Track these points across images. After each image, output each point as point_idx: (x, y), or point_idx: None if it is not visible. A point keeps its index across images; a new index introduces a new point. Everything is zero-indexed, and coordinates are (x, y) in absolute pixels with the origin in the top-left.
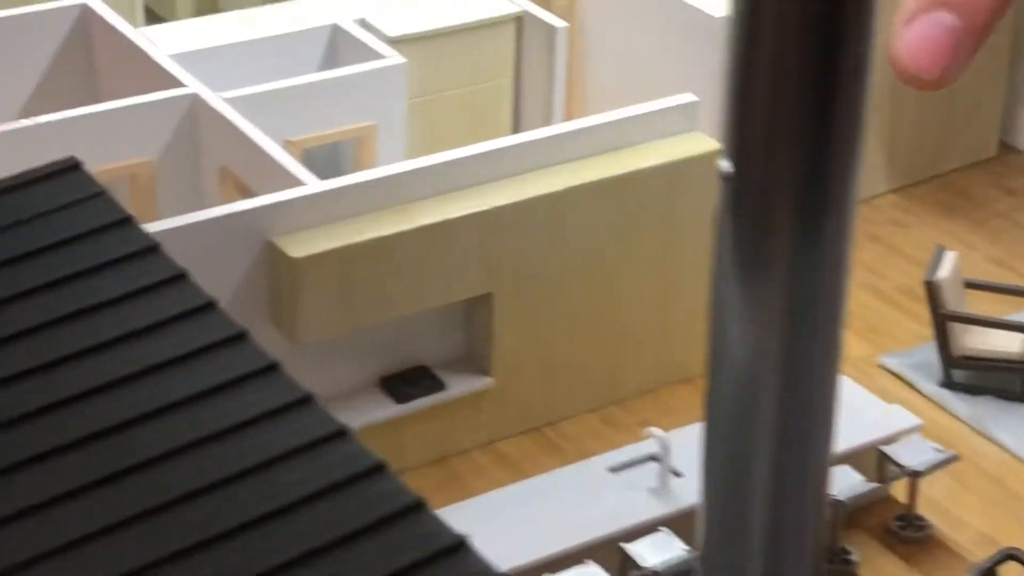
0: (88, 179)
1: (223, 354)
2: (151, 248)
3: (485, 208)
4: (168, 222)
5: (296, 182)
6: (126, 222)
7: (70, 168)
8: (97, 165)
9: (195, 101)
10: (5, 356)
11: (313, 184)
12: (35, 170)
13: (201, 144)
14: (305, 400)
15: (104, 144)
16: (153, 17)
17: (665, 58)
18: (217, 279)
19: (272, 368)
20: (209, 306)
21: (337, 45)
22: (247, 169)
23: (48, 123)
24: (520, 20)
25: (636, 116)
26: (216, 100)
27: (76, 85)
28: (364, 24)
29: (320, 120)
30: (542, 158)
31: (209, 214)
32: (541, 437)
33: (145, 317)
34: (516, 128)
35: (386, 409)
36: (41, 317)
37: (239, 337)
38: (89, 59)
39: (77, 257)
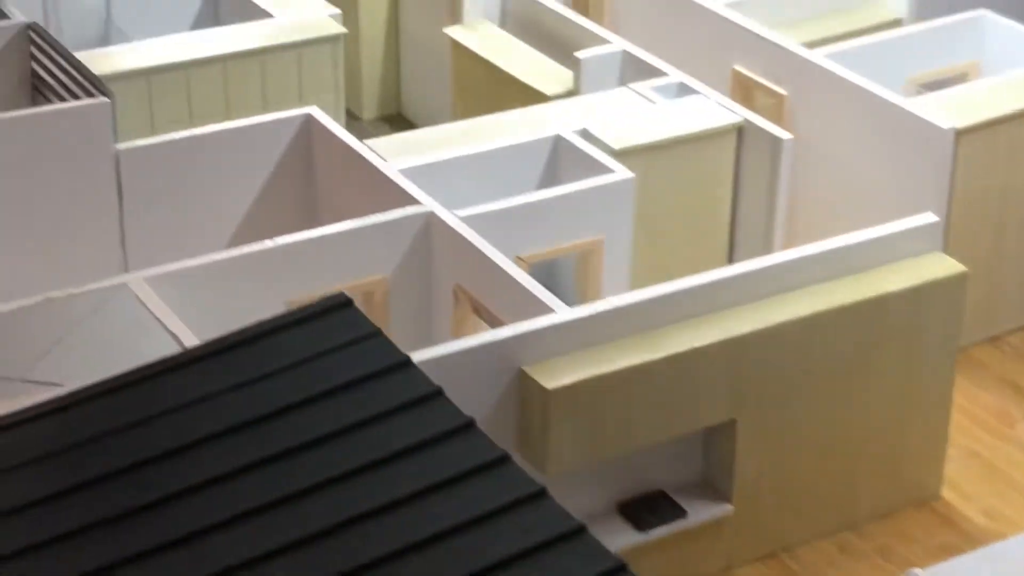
0: (361, 317)
1: (526, 512)
2: (435, 393)
3: (733, 335)
4: (423, 353)
5: (535, 301)
6: (406, 364)
7: (341, 305)
8: (334, 284)
9: (430, 219)
10: (301, 509)
11: (564, 312)
12: (307, 308)
13: (433, 261)
14: (579, 530)
15: (341, 262)
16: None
17: (887, 170)
18: (467, 406)
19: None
20: (504, 459)
21: (560, 156)
22: (482, 287)
23: (287, 244)
24: (741, 130)
25: (878, 238)
26: (451, 218)
27: (298, 195)
28: (586, 135)
29: (549, 235)
30: (786, 281)
31: (463, 344)
32: (779, 564)
33: (438, 469)
34: (733, 239)
35: (626, 536)
36: (331, 469)
37: (539, 493)
38: (311, 169)
39: (359, 401)
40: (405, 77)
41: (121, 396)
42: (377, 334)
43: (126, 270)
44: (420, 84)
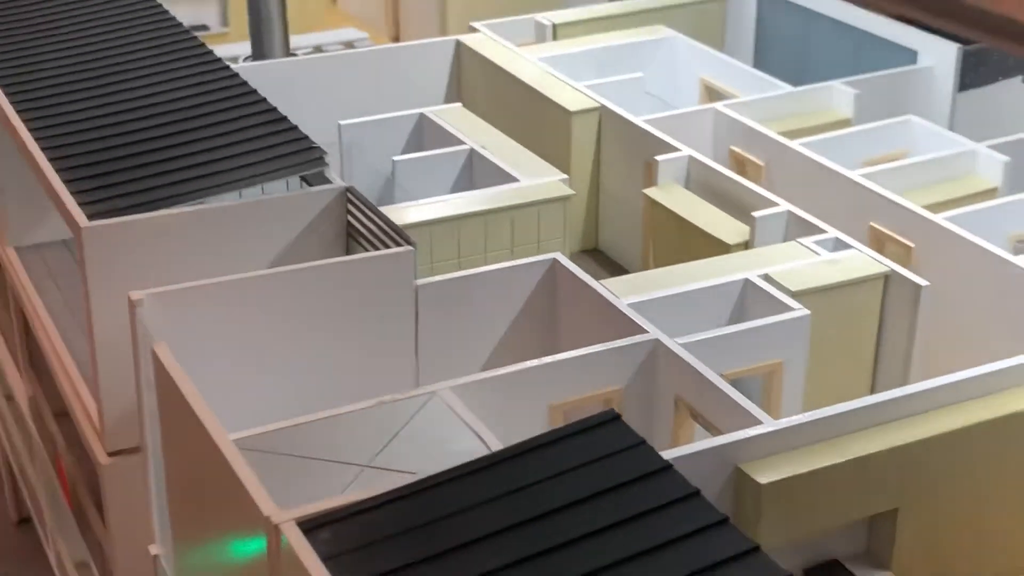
0: (627, 429)
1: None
2: (694, 493)
3: (899, 443)
4: (665, 454)
5: (742, 411)
6: (667, 469)
7: (611, 419)
8: (583, 393)
9: (655, 344)
10: None
11: (769, 422)
12: (579, 422)
13: (657, 376)
14: None
15: (587, 376)
16: None
17: (998, 311)
18: None
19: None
20: (755, 550)
21: (747, 295)
22: (698, 398)
23: (549, 362)
24: (888, 277)
25: (1009, 367)
26: (671, 343)
27: (543, 324)
28: (768, 279)
29: (744, 358)
30: (937, 400)
31: (694, 448)
32: None
33: (695, 558)
34: (876, 365)
35: None
36: (602, 558)
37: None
38: (554, 304)
39: (629, 500)
40: (603, 221)
41: (455, 485)
42: (642, 443)
43: (417, 384)
44: (616, 226)
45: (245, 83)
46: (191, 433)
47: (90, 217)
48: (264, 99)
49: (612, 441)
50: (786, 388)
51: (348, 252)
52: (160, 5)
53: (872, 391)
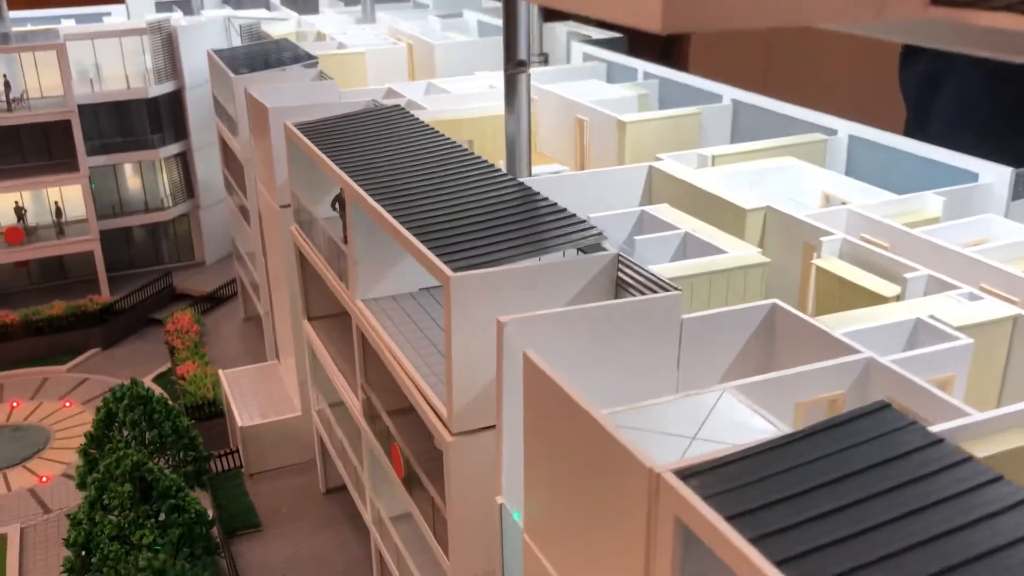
0: (899, 415)
1: None
2: (966, 460)
3: None
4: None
5: (949, 405)
6: (940, 443)
7: (883, 408)
8: (818, 395)
9: (869, 361)
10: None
11: (976, 414)
12: (857, 410)
13: (870, 383)
14: None
15: (821, 385)
16: None
17: None
18: None
19: None
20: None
21: (919, 330)
22: (908, 398)
23: (805, 370)
24: (1017, 318)
25: None
26: (882, 360)
27: (762, 354)
28: (934, 318)
29: (926, 372)
30: None
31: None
32: None
33: (975, 509)
34: (1003, 383)
35: None
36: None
37: None
38: (772, 338)
39: (919, 463)
40: (772, 278)
41: (782, 451)
42: (914, 423)
43: (677, 389)
44: (776, 289)
45: (530, 188)
46: (564, 412)
47: (454, 271)
48: (547, 198)
49: (889, 423)
50: (954, 394)
51: (617, 298)
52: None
53: (1000, 399)
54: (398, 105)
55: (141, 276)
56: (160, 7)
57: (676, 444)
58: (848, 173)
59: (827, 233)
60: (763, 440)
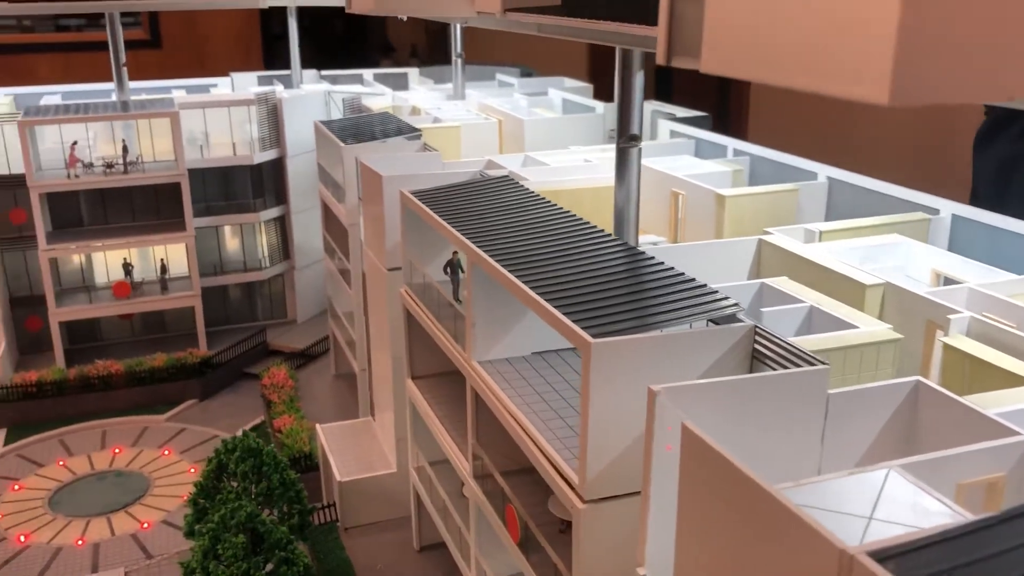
0: None
1: None
2: None
3: None
4: None
5: None
6: None
7: None
8: (975, 478)
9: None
10: None
11: None
12: None
13: None
14: None
15: (974, 468)
16: None
17: None
18: None
19: None
20: None
21: None
22: None
23: (946, 455)
24: None
25: None
26: None
27: (903, 432)
28: None
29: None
30: None
31: None
32: None
33: None
34: None
35: None
36: None
37: None
38: (914, 419)
39: None
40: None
41: (983, 534)
42: None
43: (820, 468)
44: (904, 359)
45: (656, 257)
46: (729, 484)
47: (594, 337)
48: (674, 267)
49: None
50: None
51: (752, 371)
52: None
53: None
54: (507, 176)
55: (236, 332)
56: (262, 80)
57: (852, 523)
58: (951, 250)
59: (951, 310)
60: (956, 524)
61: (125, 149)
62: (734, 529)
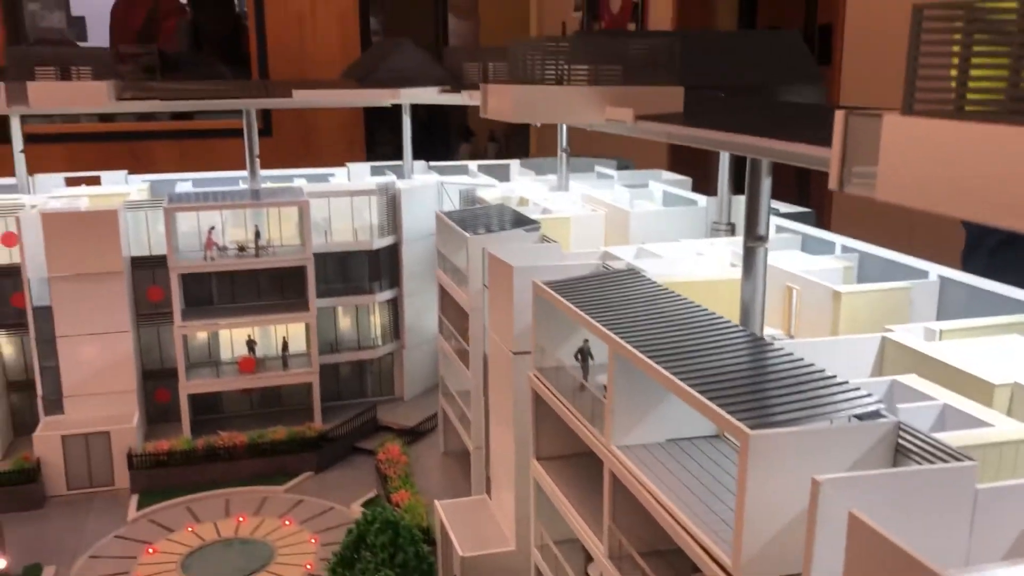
0: None
1: None
2: None
3: None
4: None
5: None
6: None
7: None
8: None
9: None
10: None
11: None
12: None
13: None
14: None
15: None
16: None
17: None
18: None
19: None
20: None
21: None
22: None
23: None
24: None
25: None
26: None
27: None
28: None
29: None
30: None
31: None
32: None
33: None
34: None
35: None
36: None
37: None
38: None
39: None
40: None
41: None
42: None
43: (968, 559)
44: None
45: (800, 357)
46: (896, 569)
47: (752, 428)
48: (813, 364)
49: None
50: None
51: (896, 465)
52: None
53: None
54: (632, 268)
55: (347, 407)
56: (374, 171)
57: None
58: None
59: None
60: None
61: (257, 234)
62: None
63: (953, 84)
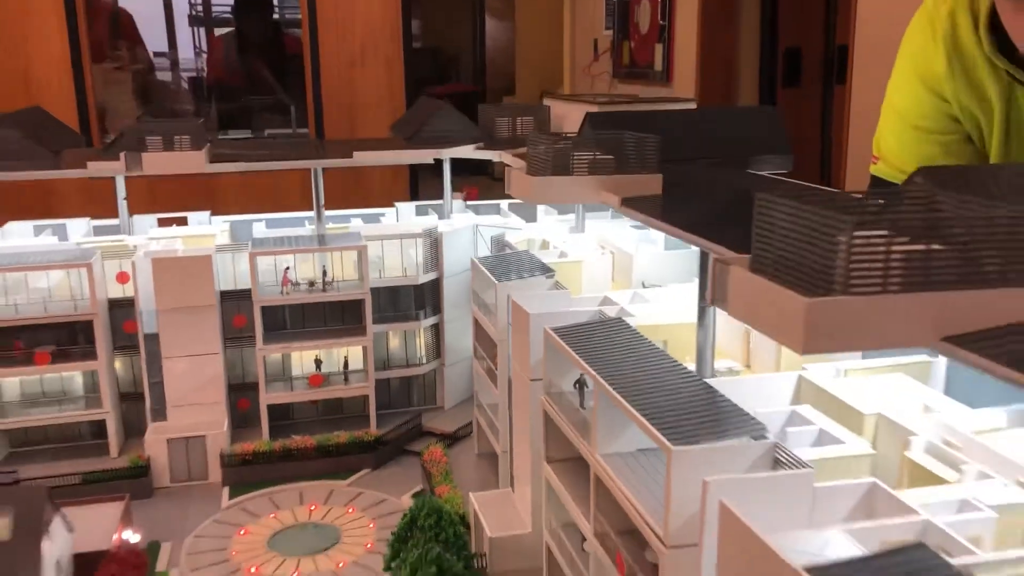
0: None
1: None
2: None
3: None
4: None
5: None
6: None
7: None
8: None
9: None
10: None
11: None
12: None
13: None
14: None
15: None
16: None
17: None
18: None
19: None
20: None
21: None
22: None
23: None
24: None
25: None
26: None
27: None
28: None
29: None
30: None
31: None
32: None
33: None
34: None
35: None
36: None
37: None
38: (872, 511)
39: None
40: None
41: None
42: None
43: None
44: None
45: (723, 395)
46: (754, 554)
47: (674, 444)
48: (724, 396)
49: None
50: None
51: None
52: None
53: None
54: (619, 317)
55: (396, 415)
56: (419, 210)
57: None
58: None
59: (915, 433)
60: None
61: (324, 272)
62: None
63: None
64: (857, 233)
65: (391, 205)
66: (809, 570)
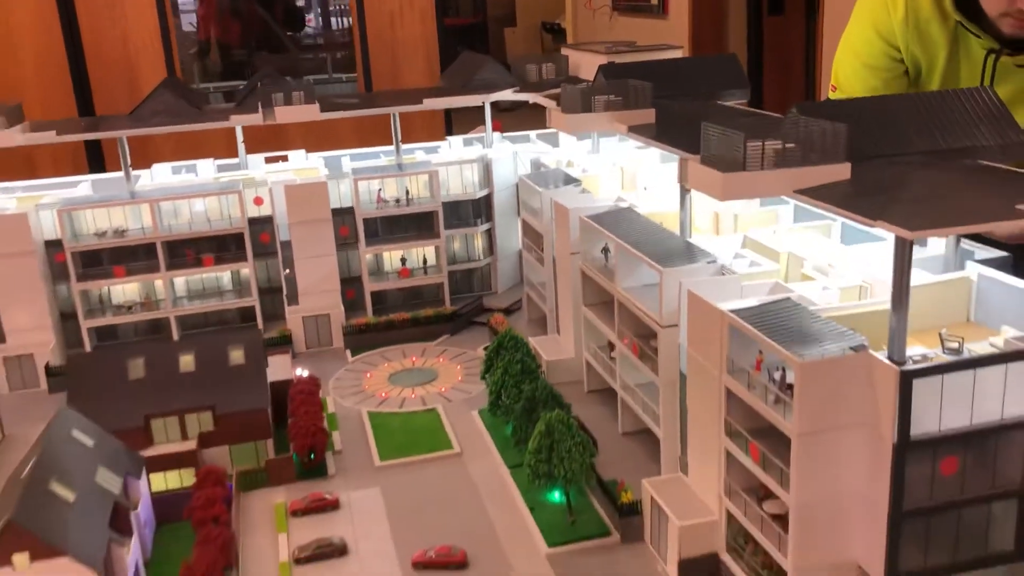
0: None
1: None
2: None
3: None
4: None
5: None
6: None
7: None
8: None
9: None
10: None
11: None
12: None
13: None
14: None
15: None
16: None
17: None
18: None
19: None
20: None
21: None
22: None
23: None
24: None
25: None
26: None
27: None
28: None
29: None
30: None
31: None
32: None
33: None
34: None
35: None
36: None
37: None
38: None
39: None
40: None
41: None
42: None
43: None
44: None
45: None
46: (709, 321)
47: (663, 267)
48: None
49: None
50: None
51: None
52: None
53: None
54: (629, 207)
55: (462, 298)
56: (466, 142)
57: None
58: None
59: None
60: None
61: (407, 192)
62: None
63: None
64: (750, 142)
65: (433, 140)
66: (729, 311)
